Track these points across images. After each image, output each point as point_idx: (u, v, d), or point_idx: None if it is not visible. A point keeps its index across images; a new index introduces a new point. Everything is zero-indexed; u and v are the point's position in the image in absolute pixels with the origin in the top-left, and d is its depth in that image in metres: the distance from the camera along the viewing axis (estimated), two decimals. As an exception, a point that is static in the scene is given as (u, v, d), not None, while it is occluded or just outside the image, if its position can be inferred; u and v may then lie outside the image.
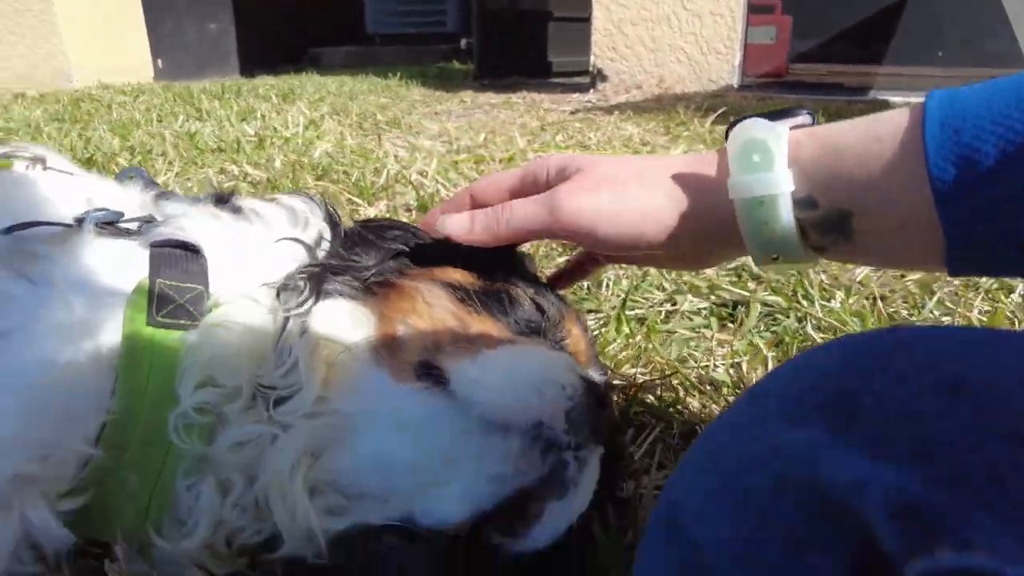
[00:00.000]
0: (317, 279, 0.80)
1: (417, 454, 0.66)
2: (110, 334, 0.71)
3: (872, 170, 0.63)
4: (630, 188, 0.75)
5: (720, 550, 0.33)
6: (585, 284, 1.63)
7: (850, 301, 1.46)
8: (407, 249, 0.91)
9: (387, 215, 2.14)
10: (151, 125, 3.49)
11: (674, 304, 1.50)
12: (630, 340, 1.31)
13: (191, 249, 0.83)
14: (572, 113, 4.72)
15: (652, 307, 1.52)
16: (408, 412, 0.67)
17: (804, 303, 1.45)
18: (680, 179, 0.75)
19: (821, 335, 1.31)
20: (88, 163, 2.68)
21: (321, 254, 0.88)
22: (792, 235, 0.68)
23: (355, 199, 2.19)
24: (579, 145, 3.31)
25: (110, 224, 0.87)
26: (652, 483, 0.78)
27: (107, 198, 1.06)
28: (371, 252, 0.89)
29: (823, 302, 1.44)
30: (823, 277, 1.58)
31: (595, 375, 0.75)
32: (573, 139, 3.50)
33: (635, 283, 1.61)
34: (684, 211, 0.73)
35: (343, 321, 0.78)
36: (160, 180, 2.39)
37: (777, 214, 0.67)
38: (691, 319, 1.46)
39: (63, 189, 1.04)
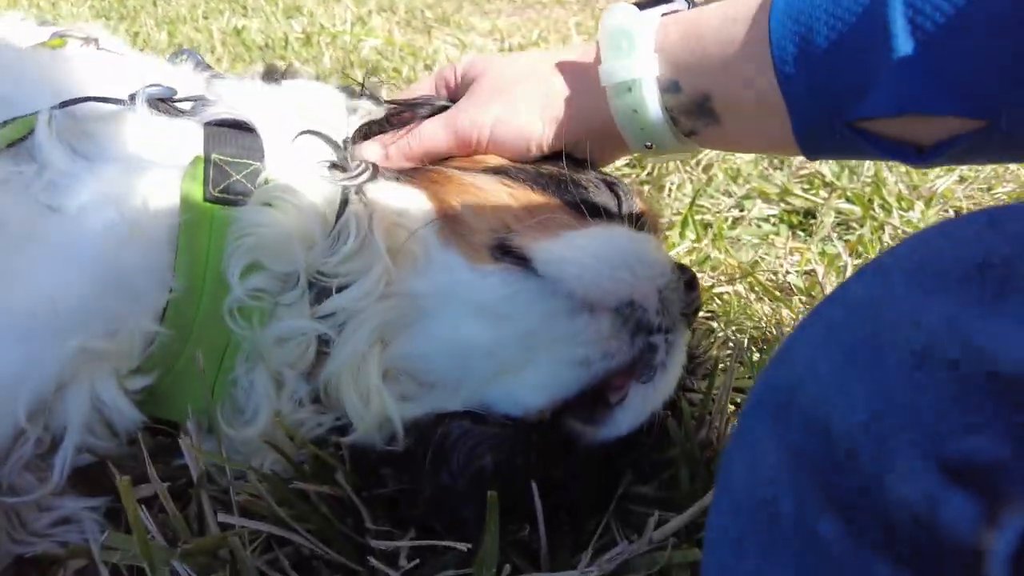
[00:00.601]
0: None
1: (497, 339, 0.64)
2: (168, 208, 0.70)
3: (727, 52, 0.65)
4: (518, 93, 0.76)
5: (853, 433, 0.30)
6: (646, 190, 1.57)
7: (930, 212, 1.37)
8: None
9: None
10: (197, 21, 3.42)
11: (742, 210, 1.43)
12: (696, 245, 1.26)
13: (245, 127, 0.80)
14: (629, 13, 4.46)
15: (719, 213, 1.45)
16: (487, 295, 0.65)
17: (880, 213, 1.36)
18: (566, 74, 0.76)
19: (901, 244, 1.23)
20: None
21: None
22: (661, 121, 0.70)
23: (406, 97, 2.12)
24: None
25: (163, 102, 0.85)
26: (726, 384, 0.75)
27: (160, 77, 1.03)
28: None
29: (901, 212, 1.35)
30: (901, 187, 1.48)
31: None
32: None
33: (700, 187, 1.53)
34: (570, 110, 0.75)
35: (403, 203, 0.75)
36: (210, 75, 2.35)
37: (643, 99, 0.69)
38: (760, 226, 1.39)
39: (116, 68, 1.02)
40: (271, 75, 0.92)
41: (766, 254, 1.24)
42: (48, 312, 0.63)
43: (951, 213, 1.39)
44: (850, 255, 1.19)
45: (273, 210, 0.71)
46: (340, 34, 3.06)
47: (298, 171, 0.75)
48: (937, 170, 1.55)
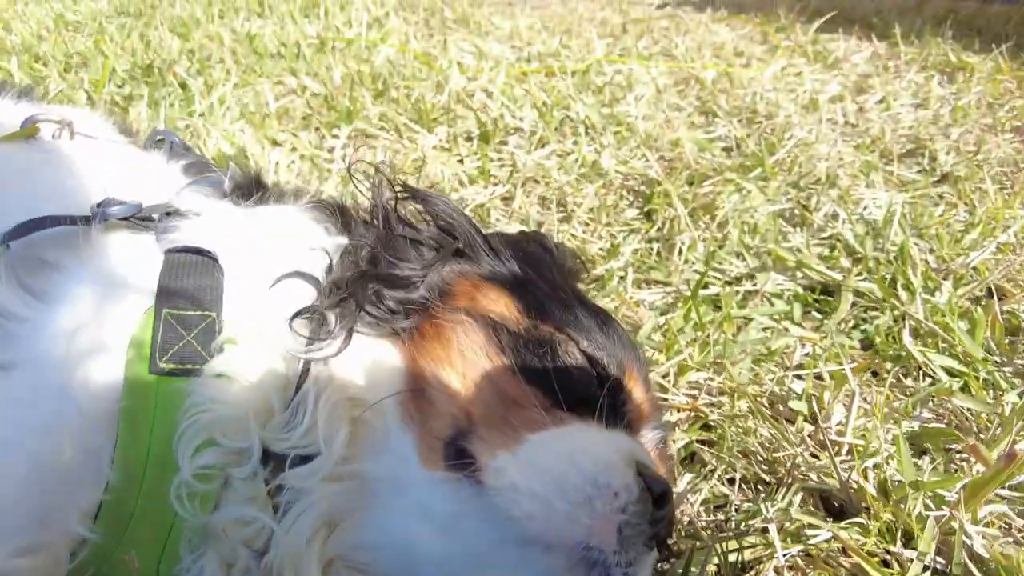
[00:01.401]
0: (346, 308, 0.71)
1: (446, 551, 0.60)
2: (111, 385, 0.64)
3: None
4: None
5: None
6: (654, 248, 1.49)
7: (958, 293, 1.27)
8: (456, 248, 0.80)
9: (447, 145, 2.00)
10: (212, 23, 3.36)
11: (755, 283, 1.34)
12: (699, 334, 1.18)
13: (208, 256, 0.75)
14: (659, 7, 4.28)
15: (729, 283, 1.37)
16: (437, 505, 0.60)
17: (904, 294, 1.27)
18: None
19: (920, 344, 1.14)
20: (147, 71, 2.61)
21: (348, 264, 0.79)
22: None
23: (413, 125, 2.05)
24: (663, 53, 2.99)
25: (127, 219, 0.80)
26: (709, 542, 0.69)
27: (133, 173, 0.98)
28: (413, 254, 0.78)
29: (926, 295, 1.25)
30: (930, 259, 1.38)
31: (653, 468, 0.64)
32: (658, 44, 3.16)
33: (712, 248, 1.45)
34: None
35: (370, 368, 0.69)
36: (216, 95, 2.30)
37: None
38: (772, 303, 1.30)
39: (86, 165, 0.97)
40: (249, 191, 0.86)
41: (773, 347, 1.15)
42: None
43: (982, 293, 1.29)
44: (863, 355, 1.10)
45: (229, 383, 0.66)
46: (355, 40, 2.98)
47: (259, 331, 0.69)
48: (972, 236, 1.45)
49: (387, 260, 0.76)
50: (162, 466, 0.62)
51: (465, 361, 0.67)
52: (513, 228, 1.54)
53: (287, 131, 2.05)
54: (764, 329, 1.24)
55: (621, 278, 1.39)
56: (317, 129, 2.10)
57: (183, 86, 2.47)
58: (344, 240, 0.79)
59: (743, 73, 2.62)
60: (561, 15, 3.98)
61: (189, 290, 0.71)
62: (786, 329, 1.21)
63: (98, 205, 0.80)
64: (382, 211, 0.80)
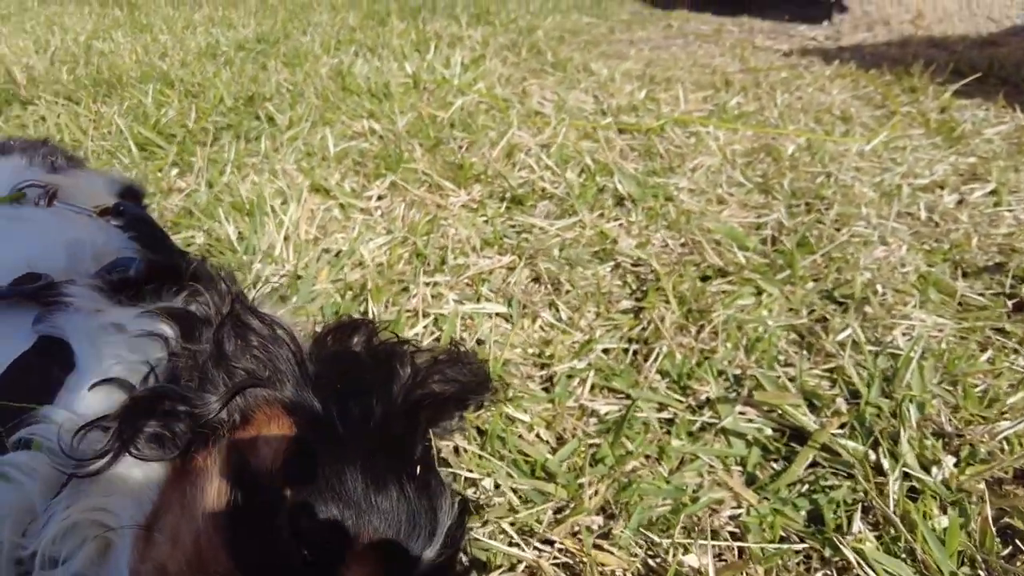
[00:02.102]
0: (127, 425, 0.71)
1: None
2: None
3: None
4: None
5: None
6: (631, 350, 1.36)
7: (966, 473, 1.03)
8: (261, 378, 0.78)
9: (475, 205, 1.97)
10: (325, 55, 3.60)
11: (717, 416, 1.18)
12: (612, 470, 1.06)
13: (64, 349, 0.80)
14: (785, 55, 3.98)
15: (697, 408, 1.22)
16: None
17: (886, 463, 1.05)
18: None
19: (876, 535, 0.93)
20: (248, 102, 2.84)
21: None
22: None
23: (447, 183, 2.05)
24: (758, 114, 2.76)
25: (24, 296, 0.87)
26: None
27: (69, 248, 1.05)
28: (220, 383, 0.77)
29: (919, 472, 1.03)
30: (946, 419, 1.13)
31: None
32: (759, 102, 2.93)
33: (688, 364, 1.30)
34: None
35: (126, 490, 0.69)
36: (287, 135, 2.44)
37: None
38: (730, 443, 1.14)
39: (30, 236, 1.06)
40: (124, 285, 0.90)
41: (695, 501, 1.01)
42: None
43: (989, 480, 1.04)
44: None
45: (5, 482, 0.69)
46: (445, 83, 3.04)
47: (50, 435, 0.71)
48: (1018, 397, 1.18)
49: (195, 379, 0.75)
50: None
51: (190, 509, 0.65)
52: (493, 307, 1.48)
53: (334, 177, 2.12)
54: (705, 471, 1.08)
55: (581, 380, 1.28)
56: (364, 175, 2.17)
57: (270, 120, 2.66)
58: (176, 349, 0.80)
59: (833, 145, 2.35)
60: (673, 59, 3.83)
61: (24, 382, 0.75)
62: (723, 483, 1.05)
63: (14, 280, 0.88)
64: (213, 327, 0.80)
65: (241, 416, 0.74)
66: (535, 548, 0.95)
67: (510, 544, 0.94)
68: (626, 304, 1.51)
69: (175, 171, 2.22)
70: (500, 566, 0.93)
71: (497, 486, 1.05)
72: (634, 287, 1.58)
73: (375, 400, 0.81)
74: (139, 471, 0.71)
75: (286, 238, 1.73)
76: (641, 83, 3.14)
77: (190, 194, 2.02)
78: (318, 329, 0.97)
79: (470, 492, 1.04)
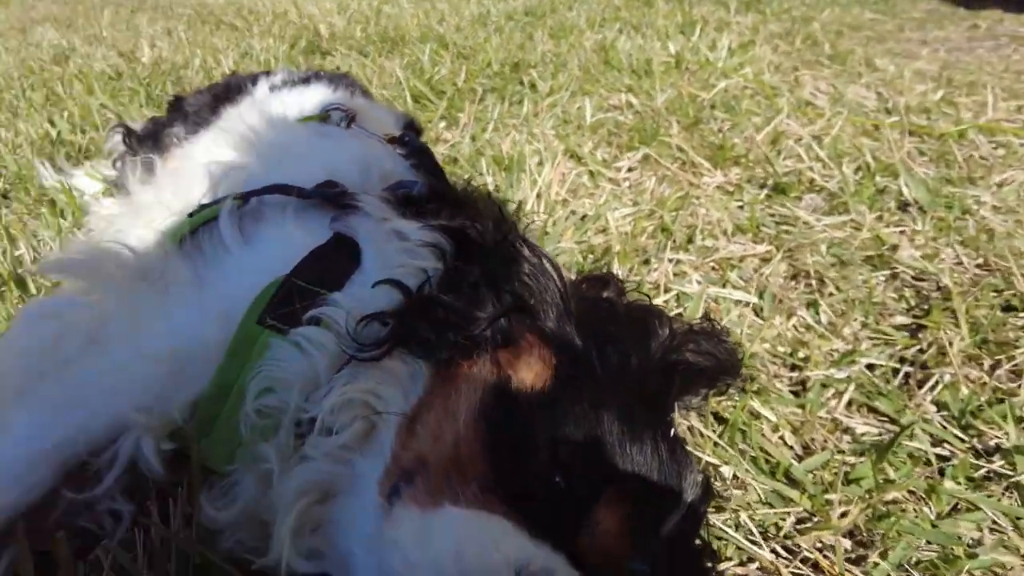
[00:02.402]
0: (404, 325, 0.76)
1: (357, 566, 0.64)
2: (235, 319, 0.82)
3: None
4: None
5: None
6: (902, 371, 1.19)
7: None
8: (528, 304, 0.79)
9: (731, 188, 1.86)
10: (589, 30, 3.62)
11: (1011, 467, 0.99)
12: (869, 495, 0.93)
13: (354, 248, 0.88)
14: None
15: (982, 453, 1.03)
16: (361, 525, 0.65)
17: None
18: None
19: None
20: (515, 68, 2.96)
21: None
22: None
23: (704, 162, 1.95)
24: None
25: (325, 199, 0.97)
26: None
27: (364, 163, 1.16)
28: (489, 303, 0.79)
29: None
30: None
31: None
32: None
33: (976, 402, 1.10)
34: None
35: (394, 382, 0.74)
36: (547, 101, 2.50)
37: None
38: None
39: (336, 151, 1.19)
40: (409, 201, 0.96)
41: (956, 537, 0.84)
42: (127, 383, 0.81)
43: None
44: None
45: (297, 351, 0.78)
46: (708, 64, 2.92)
47: (337, 319, 0.79)
48: None
49: (466, 295, 0.78)
50: (241, 395, 0.78)
51: (453, 412, 0.67)
52: (742, 295, 1.38)
53: (587, 145, 2.13)
54: (987, 527, 0.91)
55: (838, 393, 1.15)
56: (617, 146, 2.15)
57: (532, 86, 2.75)
58: (450, 264, 0.83)
59: None
60: (970, 64, 3.29)
61: (320, 269, 0.85)
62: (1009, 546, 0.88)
63: (318, 185, 0.99)
64: (487, 250, 0.82)
65: (504, 337, 0.76)
66: (772, 551, 0.87)
67: (747, 538, 0.87)
68: (902, 319, 1.32)
69: (443, 123, 2.38)
70: (730, 559, 0.86)
71: (736, 477, 0.97)
72: (913, 302, 1.38)
73: (633, 352, 0.78)
74: (408, 367, 0.75)
75: (538, 195, 1.77)
76: (936, 84, 2.74)
77: (455, 145, 2.15)
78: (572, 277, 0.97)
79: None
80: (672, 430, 0.77)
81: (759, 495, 0.96)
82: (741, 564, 0.86)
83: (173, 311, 0.86)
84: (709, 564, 0.75)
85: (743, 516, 0.90)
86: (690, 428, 1.05)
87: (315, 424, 0.74)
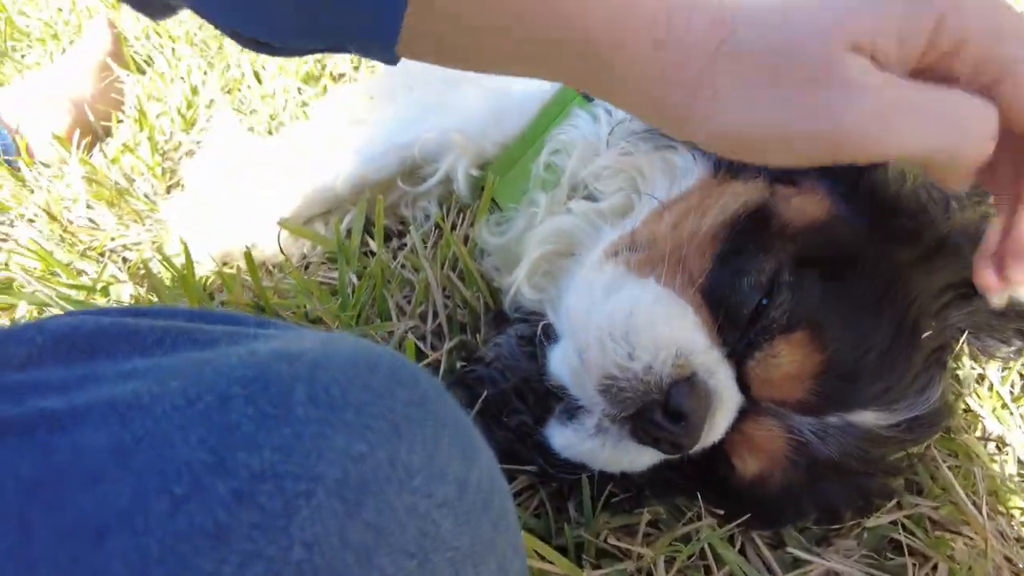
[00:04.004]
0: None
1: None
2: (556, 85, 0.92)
3: None
4: None
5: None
6: None
7: None
8: None
9: None
10: None
11: None
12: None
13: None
14: None
15: None
16: (581, 273, 0.70)
17: None
18: None
19: None
20: None
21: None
22: None
23: None
24: None
25: None
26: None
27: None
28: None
29: None
30: None
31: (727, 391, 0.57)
32: None
33: None
34: None
35: (667, 172, 0.77)
36: None
37: None
38: None
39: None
40: None
41: None
42: (462, 111, 0.99)
43: None
44: None
45: (590, 119, 0.85)
46: None
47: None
48: None
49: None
50: (539, 149, 0.89)
51: (704, 210, 0.68)
52: None
53: None
54: None
55: None
56: None
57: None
58: None
59: None
60: None
61: None
62: None
63: None
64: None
65: (786, 171, 0.71)
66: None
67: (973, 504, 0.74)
68: None
69: None
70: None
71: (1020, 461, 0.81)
72: None
73: (912, 249, 0.67)
74: (684, 162, 0.76)
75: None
76: None
77: None
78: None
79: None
80: (936, 346, 0.67)
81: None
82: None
83: None
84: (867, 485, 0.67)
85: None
86: (981, 377, 0.88)
87: (582, 188, 0.82)
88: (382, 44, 0.42)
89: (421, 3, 0.40)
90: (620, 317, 0.57)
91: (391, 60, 0.44)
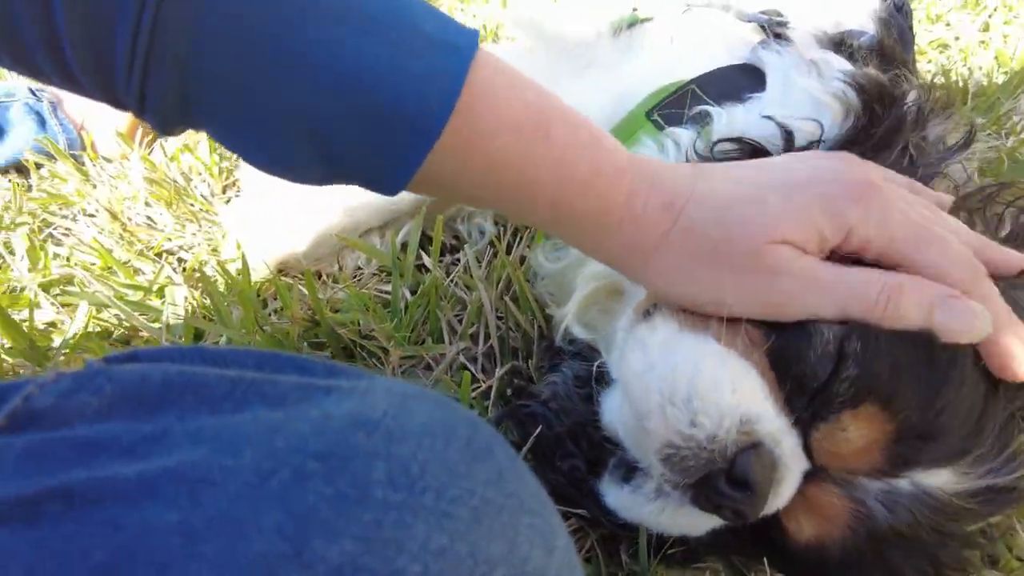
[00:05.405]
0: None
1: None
2: (628, 106, 0.90)
3: None
4: None
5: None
6: None
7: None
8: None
9: None
10: None
11: None
12: None
13: (759, 77, 0.86)
14: None
15: None
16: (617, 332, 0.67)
17: None
18: None
19: None
20: None
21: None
22: None
23: None
24: None
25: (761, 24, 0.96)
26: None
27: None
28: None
29: None
30: None
31: (766, 460, 0.52)
32: None
33: None
34: None
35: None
36: None
37: None
38: None
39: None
40: (838, 44, 0.86)
41: None
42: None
43: None
44: None
45: (656, 149, 0.83)
46: None
47: (727, 132, 0.80)
48: None
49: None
50: None
51: None
52: None
53: None
54: None
55: None
56: None
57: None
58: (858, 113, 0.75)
59: None
60: None
61: (721, 84, 0.86)
62: None
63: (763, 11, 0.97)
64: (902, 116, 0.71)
65: None
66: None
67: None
68: None
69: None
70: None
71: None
72: None
73: None
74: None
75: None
76: None
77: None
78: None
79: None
80: (1020, 406, 0.62)
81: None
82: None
83: (584, 82, 0.96)
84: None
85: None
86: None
87: None
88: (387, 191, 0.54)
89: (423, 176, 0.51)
90: (683, 381, 0.54)
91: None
